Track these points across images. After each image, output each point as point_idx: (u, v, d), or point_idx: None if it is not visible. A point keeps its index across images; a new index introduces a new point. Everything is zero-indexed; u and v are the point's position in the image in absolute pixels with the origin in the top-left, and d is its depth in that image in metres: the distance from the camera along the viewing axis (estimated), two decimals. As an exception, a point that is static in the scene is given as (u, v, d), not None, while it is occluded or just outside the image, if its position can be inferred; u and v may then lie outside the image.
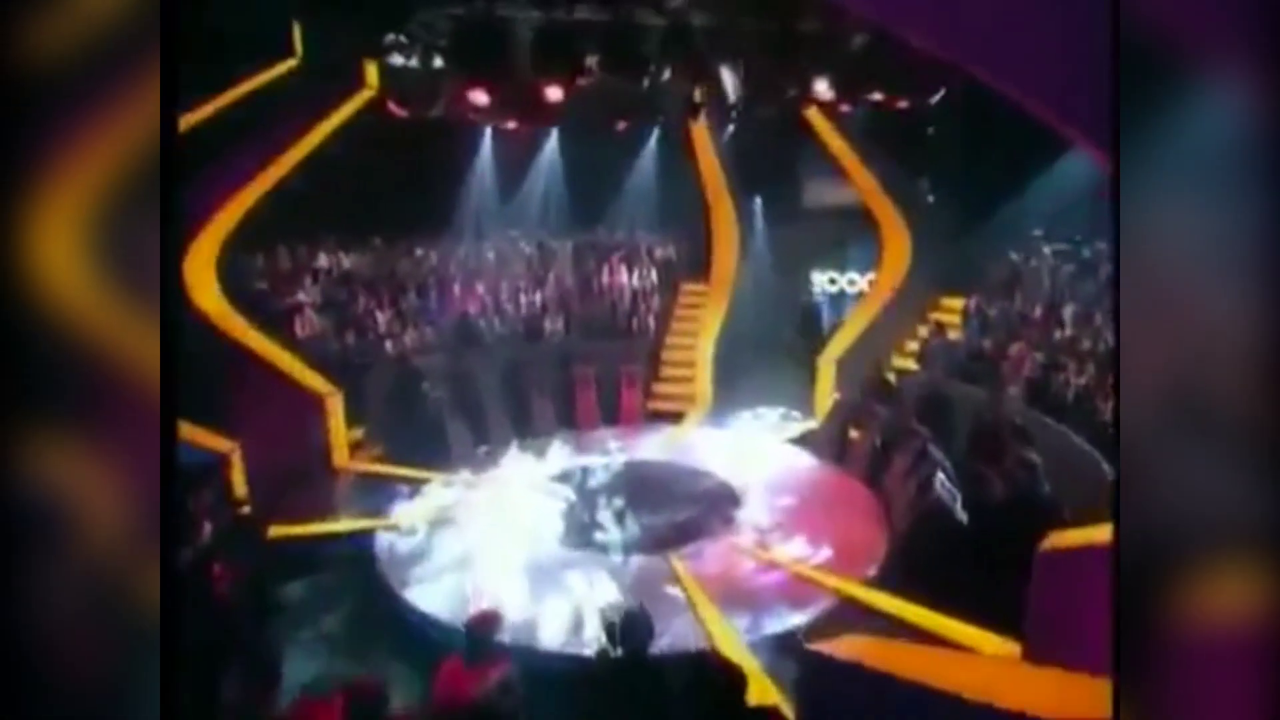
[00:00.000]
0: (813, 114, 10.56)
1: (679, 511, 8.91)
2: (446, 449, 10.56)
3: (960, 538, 7.41)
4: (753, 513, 8.85)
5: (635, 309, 13.18)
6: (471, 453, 10.72)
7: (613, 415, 11.92)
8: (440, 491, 9.57)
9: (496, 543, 8.13)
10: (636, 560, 7.83)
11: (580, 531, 8.38)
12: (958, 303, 11.49)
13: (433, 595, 7.16)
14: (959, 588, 6.59)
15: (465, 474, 10.09)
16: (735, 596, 7.23)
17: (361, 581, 7.68)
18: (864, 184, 11.51)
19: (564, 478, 9.80)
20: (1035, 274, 10.90)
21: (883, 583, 7.42)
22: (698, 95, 9.31)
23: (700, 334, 12.70)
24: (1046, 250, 11.00)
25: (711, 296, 12.99)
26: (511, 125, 8.77)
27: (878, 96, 7.55)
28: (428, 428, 10.64)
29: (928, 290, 11.86)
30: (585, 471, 9.86)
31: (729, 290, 12.84)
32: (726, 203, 12.75)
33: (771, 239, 13.53)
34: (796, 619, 6.87)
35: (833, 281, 14.06)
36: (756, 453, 10.59)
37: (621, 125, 9.13)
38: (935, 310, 11.91)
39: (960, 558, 7.07)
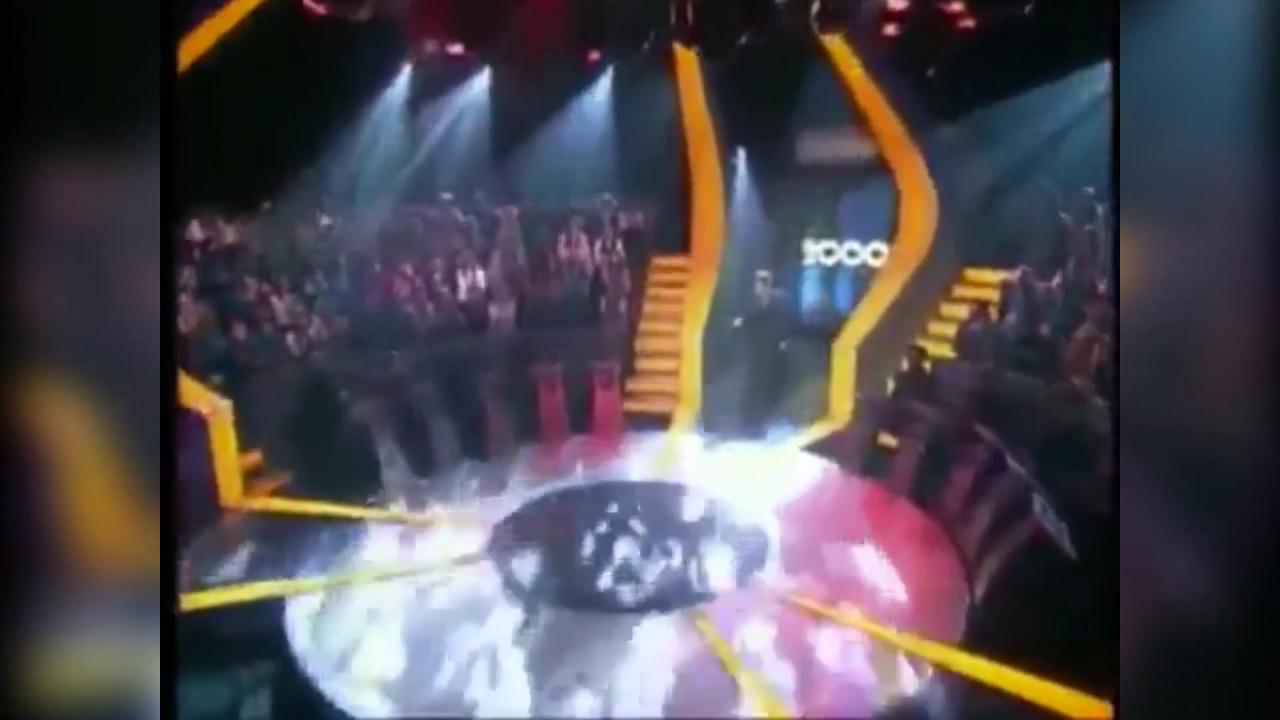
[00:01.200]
0: (833, 42, 9.07)
1: (695, 552, 7.41)
2: (374, 476, 8.74)
3: (1078, 582, 6.12)
4: (791, 549, 7.42)
5: (602, 290, 11.55)
6: (409, 480, 8.92)
7: (584, 422, 10.28)
8: (373, 536, 7.78)
9: (466, 611, 6.48)
10: (654, 624, 6.32)
11: (573, 589, 6.81)
12: (994, 276, 10.27)
13: (384, 701, 5.46)
14: (1080, 652, 5.38)
15: (402, 509, 8.33)
16: (796, 672, 5.84)
17: (279, 683, 5.88)
18: (884, 130, 10.13)
19: (536, 508, 8.19)
20: (1090, 240, 9.75)
21: (975, 644, 6.14)
22: (689, 11, 7.70)
23: (684, 319, 11.17)
24: (1100, 211, 9.87)
25: (694, 272, 11.46)
26: (456, 49, 6.94)
27: (957, 6, 6.14)
28: (347, 448, 8.78)
29: (958, 261, 10.63)
30: (564, 500, 8.29)
31: (715, 264, 11.33)
32: (711, 155, 11.19)
33: (765, 199, 12.03)
34: (878, 699, 5.53)
35: (829, 253, 12.66)
36: (771, 466, 9.17)
37: (595, 55, 7.42)
38: (963, 285, 10.69)
39: (1080, 610, 5.82)
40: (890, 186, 10.82)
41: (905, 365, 9.28)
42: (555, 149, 12.73)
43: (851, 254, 12.54)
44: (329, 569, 7.12)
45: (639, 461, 9.37)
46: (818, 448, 9.59)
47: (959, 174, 10.24)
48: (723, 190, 11.41)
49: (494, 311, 11.13)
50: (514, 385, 10.10)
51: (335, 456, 8.64)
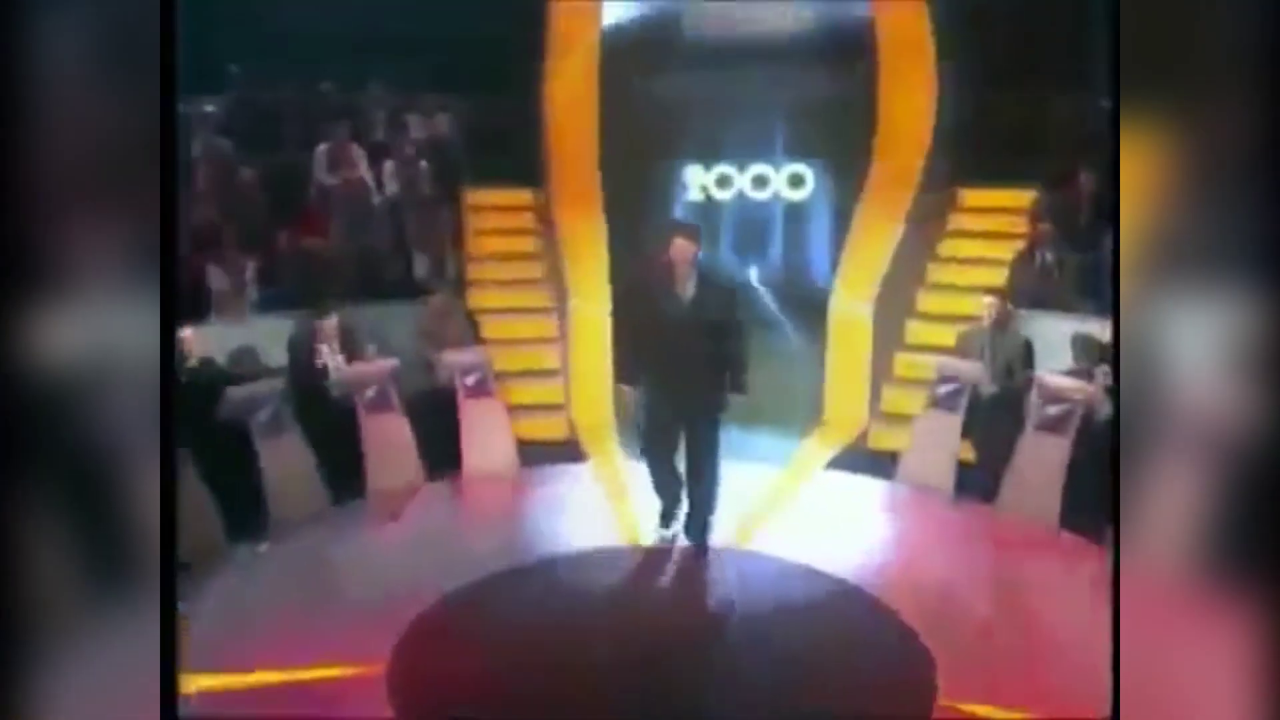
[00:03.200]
0: None
1: (795, 674, 4.33)
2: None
3: None
4: (948, 642, 4.56)
5: (407, 242, 8.10)
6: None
7: (445, 453, 6.65)
8: None
9: None
10: None
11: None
12: (1014, 196, 8.34)
13: None
14: None
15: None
16: None
17: None
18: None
19: (438, 619, 4.58)
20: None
21: None
22: None
23: (562, 292, 8.01)
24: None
25: (566, 215, 8.23)
26: None
27: None
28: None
29: (951, 179, 8.56)
30: (479, 595, 4.82)
31: (597, 199, 8.20)
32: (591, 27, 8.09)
33: (651, 99, 8.98)
34: None
35: (723, 181, 9.85)
36: (799, 499, 6.31)
37: None
38: (964, 213, 8.64)
39: None
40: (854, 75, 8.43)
41: (991, 319, 6.77)
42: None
43: (759, 181, 9.89)
44: None
45: (570, 514, 6.01)
46: (844, 465, 6.96)
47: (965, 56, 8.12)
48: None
49: (213, 283, 7.20)
50: (297, 393, 6.17)
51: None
